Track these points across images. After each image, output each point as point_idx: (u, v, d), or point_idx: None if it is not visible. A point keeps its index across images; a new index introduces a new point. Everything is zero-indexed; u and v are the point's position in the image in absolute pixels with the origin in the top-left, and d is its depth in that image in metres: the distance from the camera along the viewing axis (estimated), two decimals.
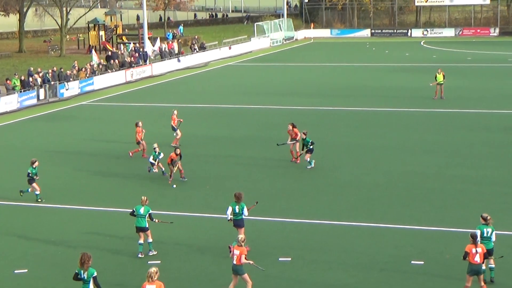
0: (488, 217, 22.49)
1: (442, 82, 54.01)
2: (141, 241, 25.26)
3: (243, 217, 24.98)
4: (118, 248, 26.07)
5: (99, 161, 38.80)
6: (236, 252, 20.88)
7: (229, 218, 25.17)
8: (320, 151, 38.28)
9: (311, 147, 35.57)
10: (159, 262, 24.34)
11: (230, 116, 51.14)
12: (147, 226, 25.20)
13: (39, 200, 31.49)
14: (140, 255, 25.19)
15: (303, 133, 35.87)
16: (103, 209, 30.61)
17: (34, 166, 31.41)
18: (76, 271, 19.55)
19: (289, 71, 74.85)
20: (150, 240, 25.49)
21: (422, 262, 24.22)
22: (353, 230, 27.67)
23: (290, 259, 24.23)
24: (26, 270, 24.20)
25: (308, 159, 35.83)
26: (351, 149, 39.90)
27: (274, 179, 34.29)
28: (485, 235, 22.22)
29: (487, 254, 21.92)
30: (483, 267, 21.88)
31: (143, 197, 25.68)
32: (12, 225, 28.80)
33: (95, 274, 19.52)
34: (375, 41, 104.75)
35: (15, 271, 24.13)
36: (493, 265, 22.45)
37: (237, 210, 24.92)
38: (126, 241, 26.60)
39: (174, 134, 41.32)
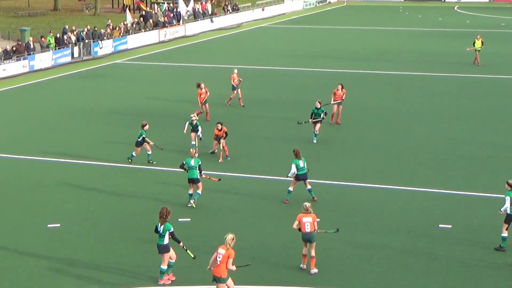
0: None
1: (479, 48, 53.46)
2: (191, 191, 26.09)
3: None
4: (149, 205, 26.31)
5: (132, 119, 38.97)
6: (308, 219, 20.52)
7: (290, 175, 25.95)
8: (351, 114, 38.25)
9: (324, 117, 34.03)
10: (189, 219, 24.54)
11: (262, 77, 51.08)
12: (198, 177, 25.88)
13: (150, 161, 31.02)
14: (189, 204, 26.02)
15: (318, 102, 34.03)
16: (134, 167, 30.83)
17: (145, 129, 30.69)
18: (156, 225, 20.06)
19: (322, 34, 74.53)
20: (199, 191, 26.13)
21: (450, 226, 24.23)
22: (382, 192, 27.70)
23: (319, 220, 24.31)
24: (58, 225, 24.51)
25: (317, 132, 34.15)
26: (383, 113, 39.78)
27: (305, 141, 34.27)
28: None
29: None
30: (505, 234, 22.14)
31: (192, 150, 26.57)
32: (46, 181, 29.09)
33: (172, 229, 19.87)
34: (408, 6, 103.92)
35: (48, 226, 24.45)
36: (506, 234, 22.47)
37: (301, 165, 25.87)
38: (156, 198, 26.83)
39: (235, 92, 41.16)
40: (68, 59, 58.27)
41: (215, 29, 77.88)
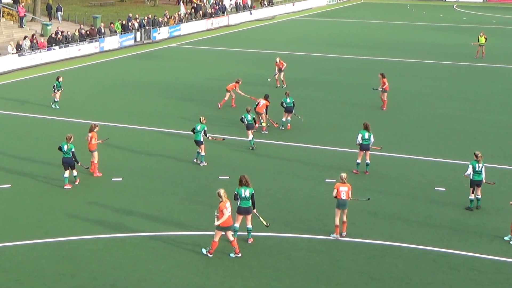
0: (479, 154, 22.20)
1: (483, 43, 52.33)
2: (199, 150, 26.37)
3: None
4: (193, 165, 26.34)
5: (182, 93, 39.02)
6: (344, 188, 19.80)
7: (358, 143, 25.23)
8: (364, 93, 37.97)
9: (288, 106, 30.92)
10: (228, 177, 24.52)
11: (292, 61, 50.72)
12: (201, 140, 26.03)
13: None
14: (195, 160, 26.48)
15: (286, 93, 31.62)
16: (182, 132, 30.84)
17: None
18: (235, 192, 19.30)
19: (342, 26, 73.78)
20: (203, 153, 26.25)
21: (444, 189, 24.05)
22: (388, 159, 27.50)
23: (334, 180, 24.24)
24: (121, 179, 24.66)
25: (284, 119, 31.32)
26: (390, 93, 39.29)
27: (325, 114, 34.11)
28: (476, 169, 22.01)
29: (476, 186, 22.10)
30: (472, 196, 22.16)
31: (201, 117, 26.51)
32: (111, 142, 29.20)
33: (253, 192, 19.34)
34: (414, 3, 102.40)
35: (112, 179, 24.61)
36: (480, 196, 22.29)
37: (366, 137, 25.06)
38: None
39: (277, 76, 40.53)
40: (132, 42, 58.33)
41: (253, 20, 77.44)
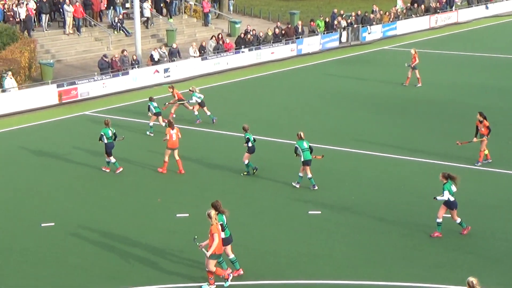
0: None
1: None
2: (302, 174, 27.04)
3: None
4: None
5: (395, 105, 38.87)
6: None
7: (439, 199, 22.27)
8: None
9: None
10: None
11: None
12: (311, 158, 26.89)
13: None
14: (315, 187, 27.01)
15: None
16: (395, 157, 30.71)
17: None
18: (220, 222, 19.55)
19: None
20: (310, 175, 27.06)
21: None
22: None
23: None
24: (320, 212, 24.94)
25: None
26: None
27: None
28: None
29: None
30: None
31: (301, 132, 27.11)
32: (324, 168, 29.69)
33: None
34: None
35: (309, 212, 24.93)
36: None
37: (454, 190, 22.20)
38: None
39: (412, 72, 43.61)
40: (336, 44, 59.06)
41: (489, 16, 75.73)
